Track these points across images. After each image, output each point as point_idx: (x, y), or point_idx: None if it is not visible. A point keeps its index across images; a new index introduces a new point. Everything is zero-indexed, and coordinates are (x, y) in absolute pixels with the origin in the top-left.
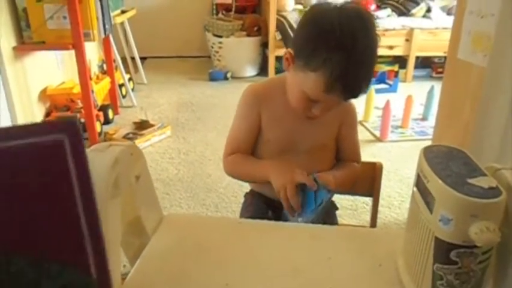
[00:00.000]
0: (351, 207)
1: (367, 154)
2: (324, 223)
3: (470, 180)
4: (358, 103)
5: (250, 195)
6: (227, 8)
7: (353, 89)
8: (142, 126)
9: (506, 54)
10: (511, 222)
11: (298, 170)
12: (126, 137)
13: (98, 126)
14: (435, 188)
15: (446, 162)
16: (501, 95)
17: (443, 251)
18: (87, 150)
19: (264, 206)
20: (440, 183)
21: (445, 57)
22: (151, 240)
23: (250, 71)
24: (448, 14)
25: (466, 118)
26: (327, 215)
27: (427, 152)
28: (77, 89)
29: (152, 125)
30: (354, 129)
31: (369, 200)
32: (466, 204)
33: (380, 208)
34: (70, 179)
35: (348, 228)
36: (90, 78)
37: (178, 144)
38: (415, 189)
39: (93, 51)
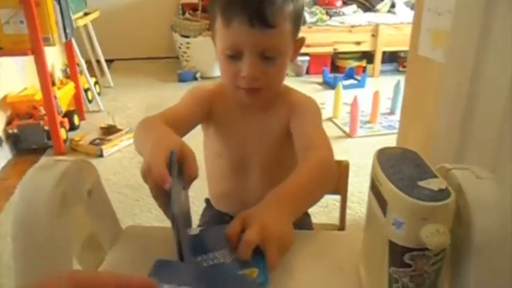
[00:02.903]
0: (321, 205)
1: (338, 150)
2: (300, 229)
3: (420, 183)
4: (326, 100)
5: (209, 205)
6: (194, 8)
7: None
8: (109, 131)
9: (463, 50)
10: (463, 222)
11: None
12: (92, 143)
13: (63, 133)
14: (387, 192)
15: (399, 166)
16: (459, 90)
17: (398, 254)
18: (31, 168)
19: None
20: (392, 187)
21: None
22: (107, 255)
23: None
24: (412, 9)
25: (430, 112)
26: (302, 221)
27: (380, 155)
28: (39, 96)
29: (120, 130)
30: (308, 119)
31: (339, 197)
32: (416, 207)
33: (350, 204)
34: None
35: (306, 233)
36: (53, 84)
37: None
38: (370, 192)
39: (55, 56)
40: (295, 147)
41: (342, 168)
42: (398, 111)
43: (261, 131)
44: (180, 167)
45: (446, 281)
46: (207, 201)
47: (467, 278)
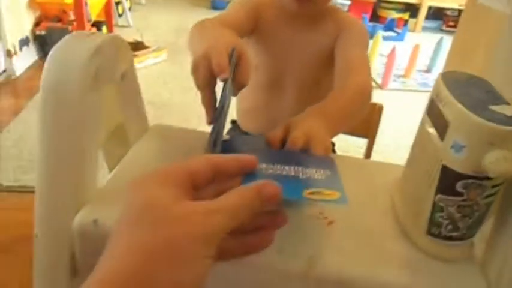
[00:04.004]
0: (343, 149)
1: None
2: None
3: (492, 107)
4: None
5: (235, 125)
6: None
7: None
8: (136, 47)
9: None
10: None
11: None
12: None
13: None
14: (451, 111)
15: (467, 89)
16: None
17: (450, 180)
18: (66, 37)
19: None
20: (458, 105)
21: (458, 10)
22: (132, 148)
23: None
24: None
25: (477, 68)
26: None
27: (446, 76)
28: (70, 0)
29: (147, 47)
30: (353, 41)
31: (362, 143)
32: (484, 129)
33: (373, 153)
34: None
35: (341, 157)
36: None
37: (174, 69)
38: (425, 116)
39: None
40: (335, 68)
41: (375, 111)
42: (436, 70)
43: (305, 47)
44: (233, 71)
45: (492, 219)
46: (233, 122)
47: None
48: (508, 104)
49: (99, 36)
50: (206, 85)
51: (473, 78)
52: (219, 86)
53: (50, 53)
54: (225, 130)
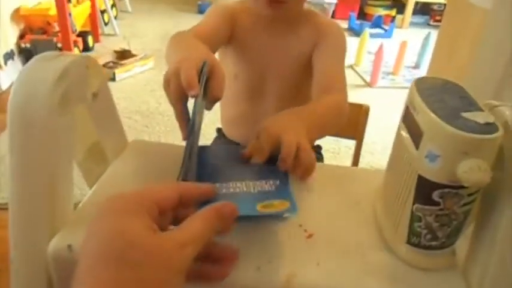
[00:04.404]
0: (333, 150)
1: (355, 99)
2: None
3: (465, 114)
4: (350, 47)
5: (220, 134)
6: None
7: None
8: (123, 55)
9: None
10: (505, 164)
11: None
12: (105, 65)
13: (76, 53)
14: (424, 121)
15: (441, 95)
16: (503, 40)
17: (426, 190)
18: (33, 58)
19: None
20: (431, 115)
21: (445, 4)
22: (111, 166)
23: None
24: None
25: (461, 64)
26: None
27: (419, 83)
28: (54, 11)
29: (134, 55)
30: (332, 53)
31: (352, 144)
32: (457, 139)
33: (363, 153)
34: None
35: (325, 166)
36: (69, 1)
37: (161, 77)
38: (401, 123)
39: None
40: (313, 80)
41: (362, 112)
42: (424, 66)
43: (283, 53)
44: (205, 85)
45: (472, 227)
46: (219, 130)
47: (496, 228)
48: (481, 110)
49: (68, 57)
50: (177, 101)
51: (447, 83)
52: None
53: (18, 75)
54: (212, 138)
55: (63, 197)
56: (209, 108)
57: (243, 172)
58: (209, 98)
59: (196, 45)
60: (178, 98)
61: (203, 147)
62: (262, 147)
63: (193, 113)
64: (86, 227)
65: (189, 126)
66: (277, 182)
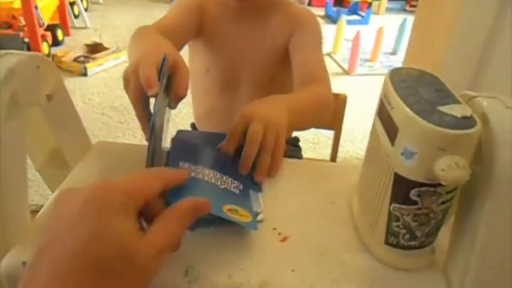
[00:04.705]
0: (312, 141)
1: (335, 87)
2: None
3: (441, 108)
4: (327, 34)
5: (194, 129)
6: None
7: None
8: (95, 49)
9: None
10: (484, 158)
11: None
12: (76, 60)
13: (45, 48)
14: (399, 116)
15: (416, 88)
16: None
17: (403, 189)
18: None
19: None
20: (406, 110)
21: None
22: (73, 169)
23: None
24: None
25: (438, 51)
26: (292, 154)
27: (394, 74)
28: (18, 4)
29: (106, 48)
30: (309, 43)
31: (331, 133)
32: (434, 135)
33: (342, 142)
34: None
35: (297, 162)
36: None
37: None
38: (376, 118)
39: None
40: (293, 74)
41: (339, 102)
42: (401, 52)
43: (255, 44)
44: (168, 83)
45: (452, 225)
46: (193, 126)
47: (477, 224)
48: (458, 102)
49: (15, 57)
50: (137, 100)
51: (423, 75)
52: None
53: None
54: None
55: (15, 209)
56: (173, 107)
57: (216, 161)
58: (172, 96)
59: (158, 41)
60: (138, 98)
61: (188, 131)
62: (234, 129)
63: (154, 113)
64: (44, 226)
65: (150, 127)
66: (241, 186)
